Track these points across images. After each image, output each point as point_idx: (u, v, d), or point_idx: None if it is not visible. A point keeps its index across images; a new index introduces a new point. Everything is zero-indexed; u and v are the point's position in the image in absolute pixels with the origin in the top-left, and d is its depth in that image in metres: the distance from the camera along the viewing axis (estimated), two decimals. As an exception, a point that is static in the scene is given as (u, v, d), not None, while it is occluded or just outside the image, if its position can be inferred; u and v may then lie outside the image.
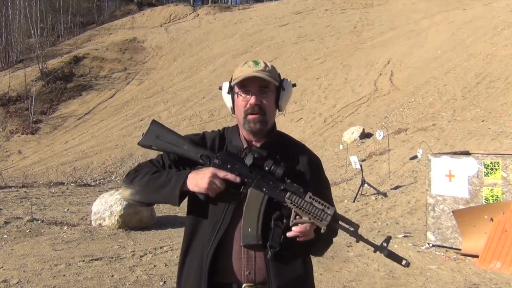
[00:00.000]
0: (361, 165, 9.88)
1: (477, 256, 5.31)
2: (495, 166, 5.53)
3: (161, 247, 6.06)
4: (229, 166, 1.59)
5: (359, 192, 9.39)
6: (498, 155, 5.91)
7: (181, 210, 7.51)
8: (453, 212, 5.63)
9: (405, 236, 6.63)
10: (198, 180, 1.55)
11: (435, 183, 5.99)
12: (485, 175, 5.60)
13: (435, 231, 5.96)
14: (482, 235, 5.33)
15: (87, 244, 6.22)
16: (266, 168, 1.58)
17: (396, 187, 9.70)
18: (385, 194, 9.39)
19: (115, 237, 6.70)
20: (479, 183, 5.65)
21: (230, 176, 1.56)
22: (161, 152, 1.75)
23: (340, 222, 1.58)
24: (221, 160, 1.60)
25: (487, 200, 5.57)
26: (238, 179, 1.56)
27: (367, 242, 1.57)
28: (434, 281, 4.76)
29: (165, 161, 1.72)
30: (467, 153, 6.57)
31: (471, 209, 5.56)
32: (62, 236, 6.67)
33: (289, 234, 1.53)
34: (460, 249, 5.64)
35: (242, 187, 1.58)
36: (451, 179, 5.85)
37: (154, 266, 5.26)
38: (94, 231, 7.03)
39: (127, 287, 4.56)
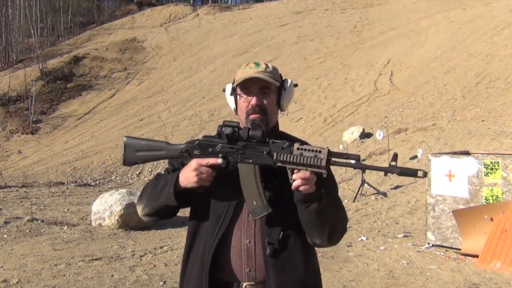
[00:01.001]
0: (361, 165, 9.86)
1: (477, 256, 5.31)
2: (495, 166, 5.53)
3: (161, 247, 6.06)
4: (210, 150, 1.59)
5: (359, 192, 9.38)
6: (498, 155, 5.91)
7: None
8: (453, 212, 5.64)
9: (405, 236, 6.63)
10: (186, 175, 1.56)
11: (435, 183, 5.99)
12: (485, 175, 5.60)
13: (435, 231, 5.96)
14: (482, 235, 5.33)
15: (87, 244, 6.22)
16: (244, 138, 1.56)
17: (396, 187, 9.70)
18: (385, 194, 9.39)
19: (115, 237, 6.71)
20: (479, 183, 5.65)
21: (212, 161, 1.55)
22: (148, 164, 1.78)
23: (339, 159, 1.51)
24: (200, 149, 1.60)
25: (487, 200, 5.57)
26: (220, 160, 1.55)
27: (374, 168, 1.54)
28: (434, 281, 4.76)
29: (169, 171, 1.75)
30: (467, 153, 6.58)
31: (471, 209, 5.56)
32: (62, 236, 6.67)
33: (293, 185, 1.47)
34: (460, 249, 5.64)
35: (229, 165, 1.57)
36: (451, 179, 5.85)
37: (154, 266, 5.26)
38: (94, 231, 7.03)
39: (127, 287, 4.57)
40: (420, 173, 1.42)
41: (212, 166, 1.55)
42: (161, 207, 1.64)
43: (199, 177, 1.53)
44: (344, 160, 1.50)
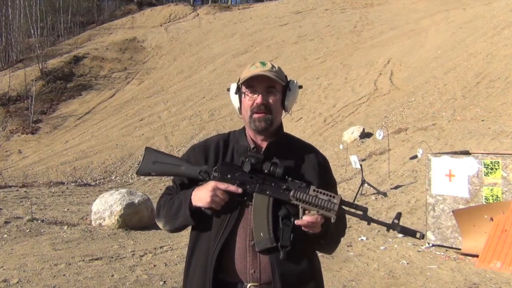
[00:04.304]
0: (361, 165, 9.88)
1: (477, 256, 5.31)
2: (495, 165, 5.53)
3: (161, 247, 6.06)
4: (229, 176, 1.61)
5: (359, 191, 9.38)
6: (498, 155, 5.91)
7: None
8: (453, 211, 5.64)
9: (405, 236, 6.62)
10: (201, 196, 1.58)
11: (435, 182, 5.99)
12: (485, 175, 5.60)
13: (435, 230, 5.96)
14: (482, 234, 5.33)
15: (87, 244, 6.22)
16: (266, 170, 1.60)
17: (396, 187, 9.69)
18: (385, 194, 9.39)
19: (115, 236, 6.70)
20: (479, 183, 5.65)
21: (231, 188, 1.58)
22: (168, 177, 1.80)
23: (349, 208, 1.61)
24: (220, 172, 1.63)
25: (487, 200, 5.57)
26: (240, 190, 1.58)
27: (378, 222, 1.61)
28: (434, 281, 4.76)
29: (177, 184, 1.78)
30: (467, 153, 6.57)
31: (471, 208, 5.56)
32: (62, 236, 6.67)
33: (297, 222, 1.55)
34: (460, 249, 5.64)
35: (245, 195, 1.61)
36: (451, 179, 5.85)
37: (154, 265, 5.26)
38: (94, 230, 7.02)
39: (127, 287, 4.56)
40: (418, 235, 1.56)
41: (228, 192, 1.58)
42: (180, 226, 1.70)
43: (213, 199, 1.56)
44: (353, 210, 1.61)
